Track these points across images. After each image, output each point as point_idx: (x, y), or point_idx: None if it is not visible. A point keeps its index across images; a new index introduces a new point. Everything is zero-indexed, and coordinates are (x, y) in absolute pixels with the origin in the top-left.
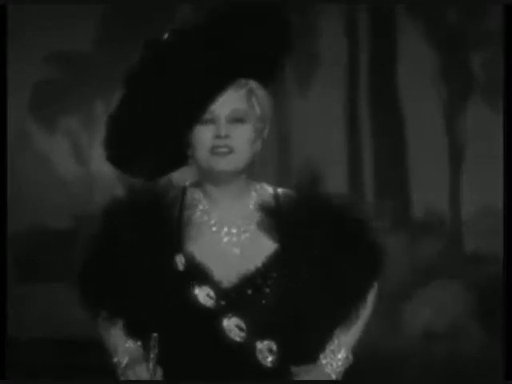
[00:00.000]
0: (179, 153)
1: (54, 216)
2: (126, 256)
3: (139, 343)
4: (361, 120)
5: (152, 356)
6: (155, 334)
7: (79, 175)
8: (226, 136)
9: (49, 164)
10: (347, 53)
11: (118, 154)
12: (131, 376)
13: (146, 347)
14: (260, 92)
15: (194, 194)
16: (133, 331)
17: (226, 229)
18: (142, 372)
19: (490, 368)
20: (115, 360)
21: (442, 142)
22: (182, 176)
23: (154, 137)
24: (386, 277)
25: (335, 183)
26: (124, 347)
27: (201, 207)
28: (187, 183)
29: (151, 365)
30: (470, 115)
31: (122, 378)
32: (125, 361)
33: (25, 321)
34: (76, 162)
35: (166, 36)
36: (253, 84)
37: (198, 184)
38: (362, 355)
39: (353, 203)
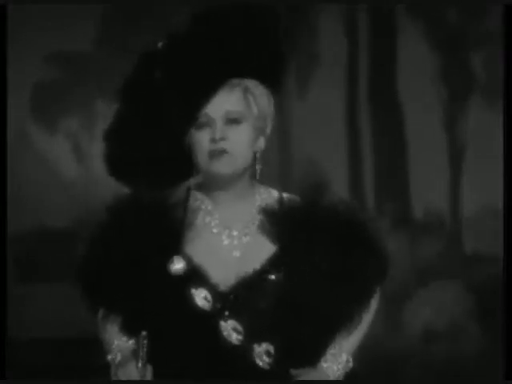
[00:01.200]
0: (182, 160)
1: (54, 216)
2: (126, 255)
3: (132, 341)
4: (361, 120)
5: (141, 354)
6: (144, 333)
7: (79, 175)
8: (222, 138)
9: (49, 164)
10: (347, 53)
11: (119, 169)
12: (121, 374)
13: (137, 346)
14: (257, 90)
15: (198, 195)
16: (128, 330)
17: (227, 231)
18: (132, 371)
19: (490, 368)
20: (109, 358)
21: (442, 142)
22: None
23: (154, 146)
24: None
25: (335, 183)
26: (117, 345)
27: (203, 207)
28: (192, 183)
29: (140, 364)
30: (470, 115)
31: (113, 377)
32: (117, 359)
33: (25, 321)
34: (76, 162)
35: (160, 45)
36: (248, 83)
37: (201, 185)
38: (362, 355)
39: (357, 209)
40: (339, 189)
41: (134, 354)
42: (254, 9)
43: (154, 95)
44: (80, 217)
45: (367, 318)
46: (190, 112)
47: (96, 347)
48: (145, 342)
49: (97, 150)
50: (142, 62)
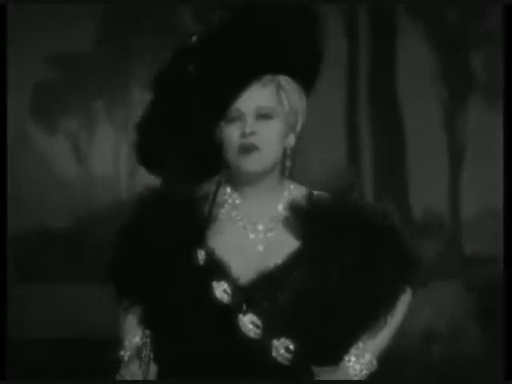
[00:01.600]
0: (213, 157)
1: (54, 216)
2: (151, 247)
3: (143, 340)
4: (361, 120)
5: (145, 353)
6: (147, 331)
7: (79, 175)
8: (252, 133)
9: (49, 164)
10: (347, 53)
11: (149, 157)
12: (124, 372)
13: (141, 344)
14: (289, 87)
15: (226, 189)
16: (147, 322)
17: (252, 226)
18: (135, 370)
19: (490, 368)
20: (121, 354)
21: (442, 142)
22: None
23: (184, 138)
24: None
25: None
26: (129, 342)
27: (230, 201)
28: (221, 178)
29: (143, 363)
30: (470, 115)
31: (118, 376)
32: (126, 356)
33: (25, 321)
34: (76, 162)
35: (193, 39)
36: (281, 79)
37: (230, 180)
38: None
39: (386, 210)
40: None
41: (138, 352)
42: (291, 7)
43: (187, 88)
44: (80, 217)
45: (394, 319)
46: (221, 106)
47: (96, 347)
48: (148, 340)
49: (97, 150)
50: (176, 55)
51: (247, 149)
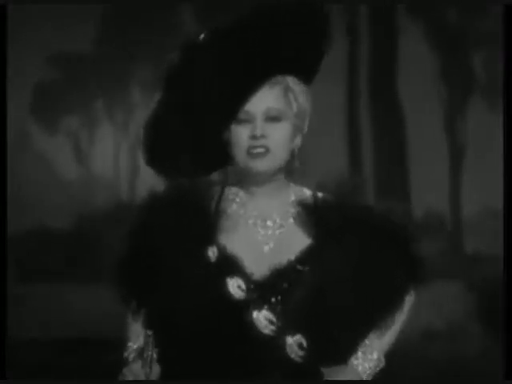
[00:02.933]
0: (220, 152)
1: (54, 216)
2: (160, 248)
3: (146, 340)
4: (361, 120)
5: (147, 354)
6: (150, 333)
7: (79, 175)
8: (262, 136)
9: (49, 164)
10: (348, 53)
11: (157, 158)
12: (127, 372)
13: (144, 345)
14: (297, 88)
15: (233, 189)
16: (153, 323)
17: (262, 222)
18: (138, 370)
19: (490, 368)
20: (125, 355)
21: (442, 142)
22: (221, 177)
23: (192, 137)
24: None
25: (335, 183)
26: (135, 343)
27: (237, 200)
28: (226, 179)
29: (146, 364)
30: (470, 115)
31: (121, 376)
32: (131, 357)
33: (25, 321)
34: (76, 162)
35: (201, 36)
36: (290, 80)
37: (236, 181)
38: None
39: (392, 211)
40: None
41: (141, 353)
42: (300, 7)
43: (196, 88)
44: (80, 217)
45: (400, 317)
46: (230, 107)
47: (96, 347)
48: (150, 341)
49: (97, 149)
50: (185, 54)
51: (257, 151)
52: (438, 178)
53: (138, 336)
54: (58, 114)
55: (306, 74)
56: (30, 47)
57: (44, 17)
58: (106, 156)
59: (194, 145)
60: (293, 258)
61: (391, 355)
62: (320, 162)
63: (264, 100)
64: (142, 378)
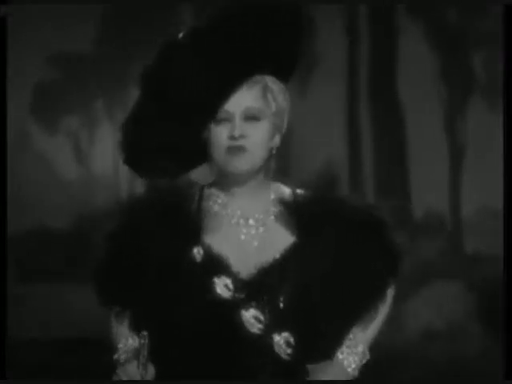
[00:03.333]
0: (198, 151)
1: (54, 216)
2: (143, 250)
3: (141, 341)
4: (361, 120)
5: (142, 354)
6: (145, 333)
7: (79, 175)
8: (241, 136)
9: (49, 164)
10: (347, 53)
11: (134, 157)
12: (122, 374)
13: (139, 346)
14: (276, 87)
15: (212, 190)
16: (142, 324)
17: (244, 221)
18: (133, 371)
19: (490, 368)
20: (115, 357)
21: (442, 142)
22: (199, 176)
23: (170, 137)
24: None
25: (335, 183)
26: (125, 344)
27: (219, 201)
28: (205, 183)
29: (141, 364)
30: (470, 115)
31: (115, 377)
32: (122, 358)
33: (25, 321)
34: (76, 162)
35: (180, 35)
36: (268, 79)
37: (215, 182)
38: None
39: (370, 206)
40: (339, 188)
41: (136, 353)
42: (277, 6)
43: (174, 86)
44: (80, 217)
45: (383, 310)
46: (209, 107)
47: (96, 347)
48: (146, 341)
49: (97, 149)
50: (163, 52)
51: (236, 151)
52: (437, 178)
53: (126, 338)
54: (58, 113)
55: (285, 73)
56: (30, 47)
57: (44, 17)
58: (106, 156)
59: (173, 144)
60: (278, 255)
61: (391, 355)
62: (320, 162)
63: (243, 99)
64: (138, 378)
